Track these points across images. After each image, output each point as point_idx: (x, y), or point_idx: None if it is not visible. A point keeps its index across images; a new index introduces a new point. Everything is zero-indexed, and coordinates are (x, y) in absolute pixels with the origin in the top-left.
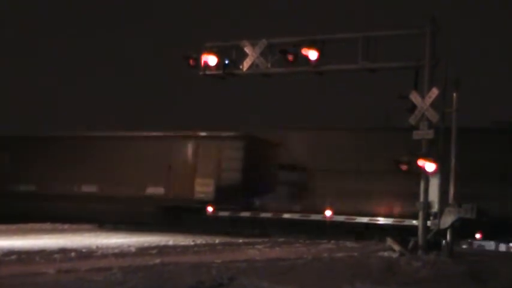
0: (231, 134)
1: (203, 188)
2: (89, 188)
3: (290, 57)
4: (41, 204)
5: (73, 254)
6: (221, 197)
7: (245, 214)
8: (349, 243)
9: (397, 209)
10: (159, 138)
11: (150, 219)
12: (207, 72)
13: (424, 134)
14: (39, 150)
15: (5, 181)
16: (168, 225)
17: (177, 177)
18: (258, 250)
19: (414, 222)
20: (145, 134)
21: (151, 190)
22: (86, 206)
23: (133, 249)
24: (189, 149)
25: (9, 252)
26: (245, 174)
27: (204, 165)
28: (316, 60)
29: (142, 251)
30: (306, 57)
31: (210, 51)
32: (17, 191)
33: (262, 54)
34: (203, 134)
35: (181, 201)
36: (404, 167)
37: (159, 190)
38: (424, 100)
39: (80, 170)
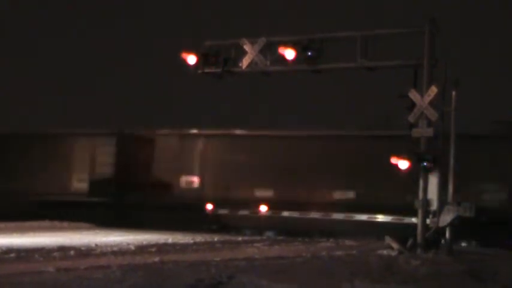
0: None
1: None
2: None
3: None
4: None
5: (72, 252)
6: None
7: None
8: (348, 242)
9: None
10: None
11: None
12: (206, 71)
13: (423, 132)
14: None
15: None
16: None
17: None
18: (257, 248)
19: (413, 220)
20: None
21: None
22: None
23: (132, 248)
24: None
25: (8, 250)
26: None
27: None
28: (315, 58)
29: (142, 249)
30: (305, 56)
31: (209, 49)
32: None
33: (262, 52)
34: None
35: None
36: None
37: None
38: (423, 98)
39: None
